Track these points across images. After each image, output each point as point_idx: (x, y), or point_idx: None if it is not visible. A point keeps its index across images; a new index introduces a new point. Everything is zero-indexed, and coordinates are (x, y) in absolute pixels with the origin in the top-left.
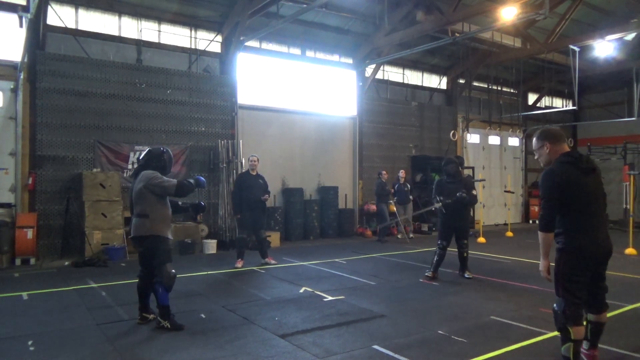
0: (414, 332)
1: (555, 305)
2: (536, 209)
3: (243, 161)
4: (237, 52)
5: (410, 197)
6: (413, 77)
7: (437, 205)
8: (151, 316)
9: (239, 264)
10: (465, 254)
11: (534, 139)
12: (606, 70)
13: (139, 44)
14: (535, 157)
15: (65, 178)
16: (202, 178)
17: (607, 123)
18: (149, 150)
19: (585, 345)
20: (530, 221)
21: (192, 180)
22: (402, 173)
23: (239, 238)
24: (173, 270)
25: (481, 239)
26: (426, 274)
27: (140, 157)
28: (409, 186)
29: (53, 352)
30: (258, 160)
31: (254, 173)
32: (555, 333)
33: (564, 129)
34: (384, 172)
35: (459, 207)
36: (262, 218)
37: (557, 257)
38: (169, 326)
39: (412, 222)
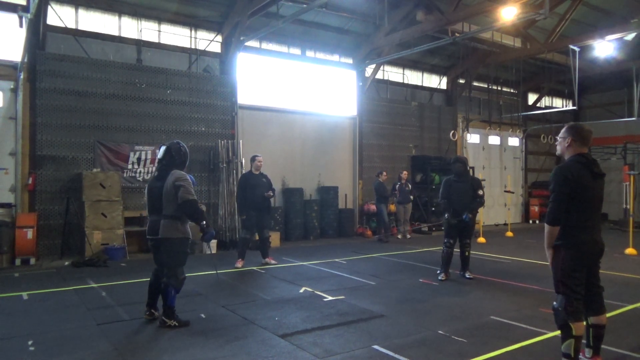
0: (414, 332)
1: (555, 303)
2: (536, 209)
3: (243, 161)
4: (237, 52)
5: (411, 197)
6: (413, 77)
7: (446, 221)
8: (157, 313)
9: (239, 264)
10: (467, 253)
11: (564, 128)
12: (606, 70)
13: (139, 44)
14: (555, 143)
15: (65, 178)
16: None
17: (607, 123)
18: (167, 147)
19: (587, 352)
20: (530, 221)
21: (204, 224)
22: (404, 174)
23: (242, 238)
24: (185, 273)
25: (481, 239)
26: (439, 278)
27: (160, 156)
28: (410, 186)
29: (53, 352)
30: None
31: (257, 172)
32: (555, 333)
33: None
34: (384, 172)
35: (465, 209)
36: (267, 218)
37: (556, 254)
38: (177, 324)
39: (410, 222)
